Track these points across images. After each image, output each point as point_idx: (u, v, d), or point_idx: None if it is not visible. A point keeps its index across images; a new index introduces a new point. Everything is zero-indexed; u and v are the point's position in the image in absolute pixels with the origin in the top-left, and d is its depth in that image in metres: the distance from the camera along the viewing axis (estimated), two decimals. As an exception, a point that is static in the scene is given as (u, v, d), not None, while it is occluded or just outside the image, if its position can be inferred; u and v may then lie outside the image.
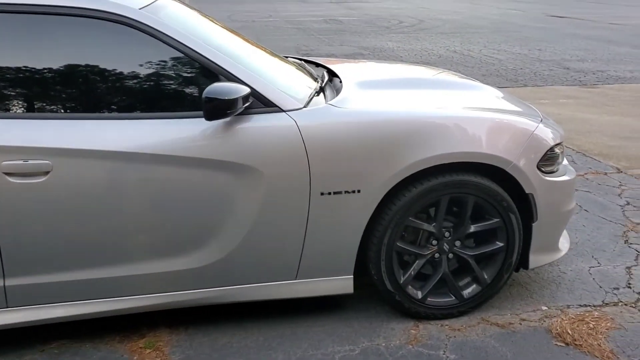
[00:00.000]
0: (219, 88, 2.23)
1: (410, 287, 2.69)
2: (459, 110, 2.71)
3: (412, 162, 2.45)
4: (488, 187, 2.58)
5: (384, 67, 4.06)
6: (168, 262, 2.42)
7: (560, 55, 10.76)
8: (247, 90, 2.29)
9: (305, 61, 3.46)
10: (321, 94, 2.70)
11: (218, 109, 2.23)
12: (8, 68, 2.29)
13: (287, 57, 3.40)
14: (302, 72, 2.99)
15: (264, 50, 3.02)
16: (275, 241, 2.47)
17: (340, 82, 2.90)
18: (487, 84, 3.54)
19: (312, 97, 2.57)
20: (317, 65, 3.39)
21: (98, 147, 2.25)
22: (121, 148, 2.26)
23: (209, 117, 2.26)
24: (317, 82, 2.87)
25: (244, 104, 2.27)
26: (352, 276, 2.60)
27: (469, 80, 3.47)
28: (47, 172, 2.22)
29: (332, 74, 3.09)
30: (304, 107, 2.45)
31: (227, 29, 2.98)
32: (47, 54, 2.34)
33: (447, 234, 2.66)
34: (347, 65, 3.60)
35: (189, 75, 2.44)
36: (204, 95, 2.22)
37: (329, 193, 2.43)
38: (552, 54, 10.91)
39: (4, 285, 2.32)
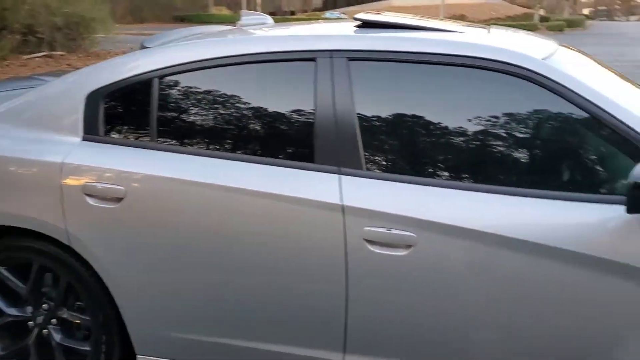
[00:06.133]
0: None
1: None
2: None
3: None
4: None
5: None
6: None
7: None
8: None
9: None
10: None
11: None
12: (378, 119, 2.07)
13: None
14: None
15: None
16: None
17: None
18: None
19: None
20: None
21: (470, 226, 1.88)
22: (497, 231, 1.87)
23: (634, 209, 1.71)
24: None
25: None
26: None
27: None
28: (409, 246, 1.91)
29: None
30: None
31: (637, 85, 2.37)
32: (428, 109, 2.06)
33: None
34: None
35: (598, 147, 2.00)
36: (631, 179, 1.72)
37: None
38: None
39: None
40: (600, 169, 1.97)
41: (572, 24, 41.70)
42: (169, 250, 2.11)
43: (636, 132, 1.83)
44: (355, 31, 2.21)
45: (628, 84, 2.32)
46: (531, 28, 37.47)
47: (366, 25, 2.23)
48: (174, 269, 2.12)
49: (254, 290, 2.08)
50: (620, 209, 1.75)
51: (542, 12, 45.48)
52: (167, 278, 2.14)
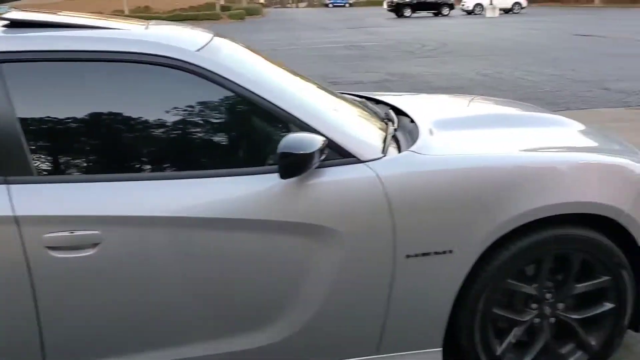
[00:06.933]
0: (295, 141, 1.95)
1: (508, 359, 2.39)
2: (563, 153, 2.47)
3: (515, 215, 2.14)
4: (598, 241, 2.30)
5: (451, 101, 3.75)
6: (230, 340, 2.11)
7: (596, 75, 10.13)
8: (323, 141, 2.01)
9: (366, 98, 3.15)
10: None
11: (295, 165, 1.95)
12: (43, 122, 1.98)
13: (344, 94, 3.06)
14: (368, 113, 2.69)
15: (326, 91, 2.69)
16: (354, 312, 2.17)
17: (412, 122, 2.62)
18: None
19: (388, 143, 2.31)
20: (378, 102, 3.07)
21: (150, 213, 1.95)
22: (177, 213, 1.96)
23: (285, 175, 1.97)
24: (388, 124, 2.58)
25: (320, 157, 2.00)
26: (441, 349, 2.30)
27: (551, 115, 3.26)
28: (95, 244, 1.90)
29: (398, 112, 2.80)
30: (383, 155, 2.18)
31: (283, 67, 2.66)
32: (94, 106, 2.04)
33: (548, 295, 2.38)
34: (408, 100, 3.25)
35: (255, 125, 2.19)
36: (279, 150, 1.93)
37: (416, 255, 2.12)
38: (588, 74, 10.30)
39: None
40: (263, 145, 2.17)
41: (251, 12, 44.55)
42: None
43: (281, 109, 2.07)
44: (4, 32, 2.06)
45: (274, 66, 2.56)
46: (214, 17, 38.73)
47: (17, 25, 2.10)
48: None
49: None
50: (277, 176, 1.97)
51: (222, 1, 47.57)
52: None
